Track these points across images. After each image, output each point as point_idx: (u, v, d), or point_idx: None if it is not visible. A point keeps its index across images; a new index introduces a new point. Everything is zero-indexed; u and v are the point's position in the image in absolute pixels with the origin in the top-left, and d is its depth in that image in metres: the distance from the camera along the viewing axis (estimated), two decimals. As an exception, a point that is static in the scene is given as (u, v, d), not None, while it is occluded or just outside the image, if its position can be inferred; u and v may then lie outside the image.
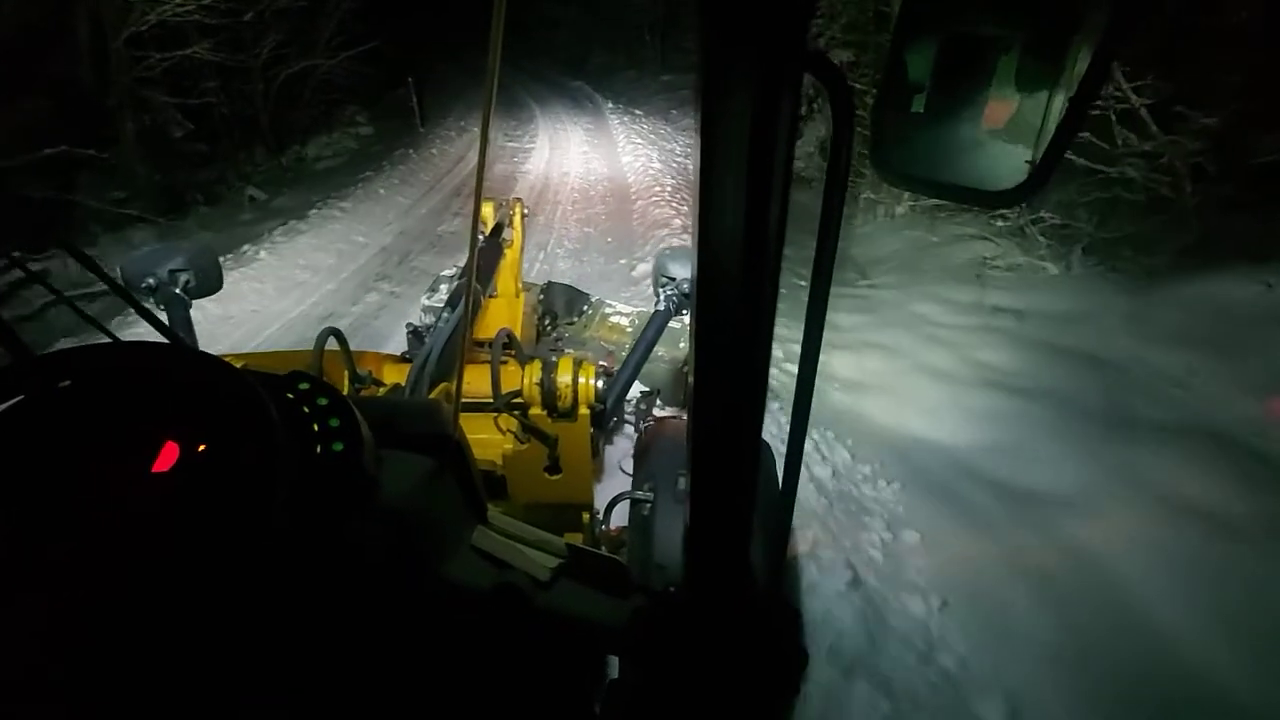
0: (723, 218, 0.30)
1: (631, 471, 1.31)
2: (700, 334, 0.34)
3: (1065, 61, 0.41)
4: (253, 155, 9.12)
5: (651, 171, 8.04)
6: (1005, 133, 0.43)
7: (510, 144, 10.26)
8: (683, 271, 1.31)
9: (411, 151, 9.27)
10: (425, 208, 7.10)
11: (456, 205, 7.27)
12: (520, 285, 2.28)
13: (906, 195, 6.41)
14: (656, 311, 1.28)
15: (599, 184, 7.86)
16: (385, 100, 12.63)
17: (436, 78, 15.92)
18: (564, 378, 1.09)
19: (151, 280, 1.14)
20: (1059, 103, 0.41)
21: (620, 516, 1.27)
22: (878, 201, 6.63)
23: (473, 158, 9.40)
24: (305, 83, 10.16)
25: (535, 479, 1.18)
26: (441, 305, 2.08)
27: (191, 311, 1.17)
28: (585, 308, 2.83)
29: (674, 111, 11.89)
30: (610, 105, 13.42)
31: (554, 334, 2.67)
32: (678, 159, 8.79)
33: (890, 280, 5.15)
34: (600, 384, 1.13)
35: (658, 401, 2.35)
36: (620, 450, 2.43)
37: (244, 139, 9.04)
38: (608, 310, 2.82)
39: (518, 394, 1.11)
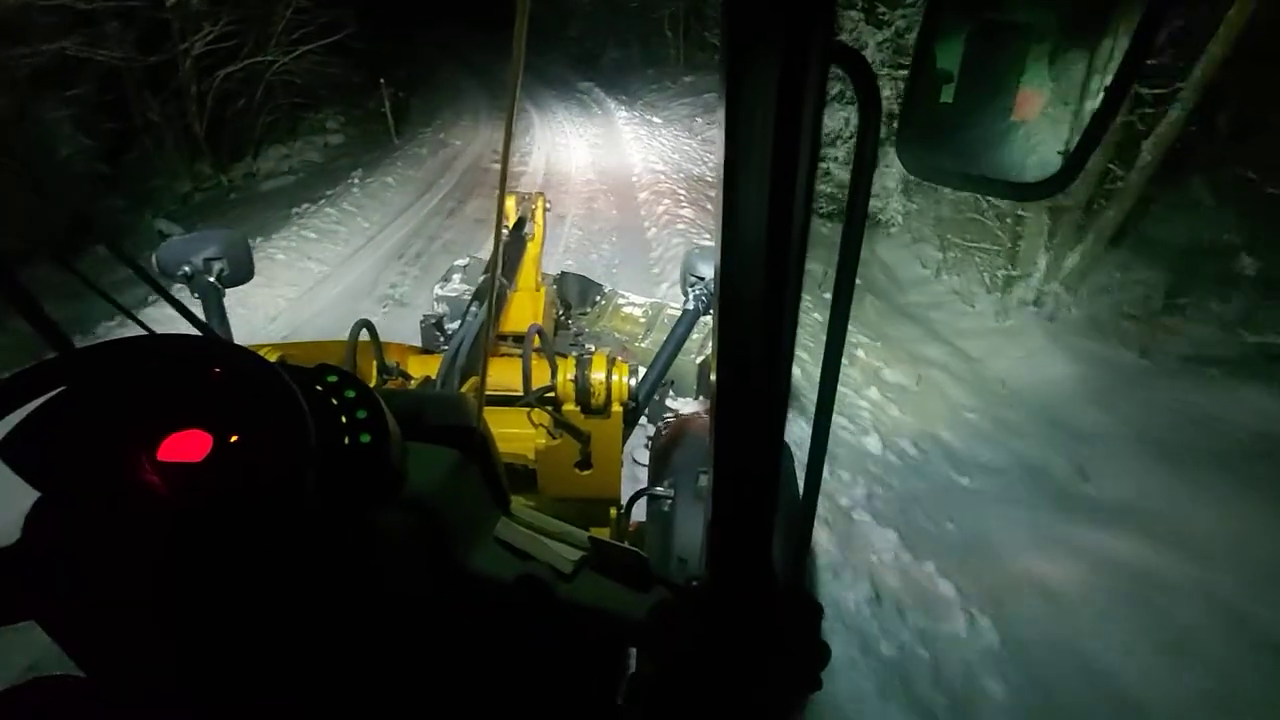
0: (747, 214, 0.36)
1: (645, 462, 1.55)
2: (723, 332, 0.40)
3: (1100, 49, 0.47)
4: (192, 171, 9.22)
5: (680, 222, 6.91)
6: (1037, 123, 0.50)
7: (495, 166, 9.77)
8: (711, 271, 1.51)
9: (354, 185, 8.44)
10: (342, 284, 5.78)
11: (389, 280, 5.80)
12: (541, 279, 2.64)
13: (1065, 268, 5.36)
14: (685, 310, 1.52)
15: (605, 239, 6.78)
16: (371, 101, 12.87)
17: (432, 76, 16.52)
18: (598, 375, 1.30)
19: (187, 269, 1.33)
20: (1093, 91, 0.48)
21: (638, 510, 1.48)
22: (1019, 277, 5.46)
23: (443, 185, 9.02)
24: (257, 84, 10.36)
25: (566, 474, 1.39)
26: (454, 294, 2.49)
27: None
28: (598, 298, 3.31)
29: (699, 120, 11.93)
30: (624, 114, 13.38)
31: (573, 327, 3.10)
32: (713, 194, 8.46)
33: (1149, 503, 3.16)
34: (633, 382, 1.33)
35: (670, 392, 2.72)
36: (633, 442, 2.65)
37: (191, 152, 9.24)
38: (620, 301, 3.28)
39: (549, 389, 1.31)
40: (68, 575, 0.50)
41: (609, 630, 0.70)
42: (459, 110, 13.66)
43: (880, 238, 7.85)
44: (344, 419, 0.61)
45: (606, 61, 18.45)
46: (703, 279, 1.56)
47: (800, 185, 0.35)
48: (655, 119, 12.83)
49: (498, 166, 9.41)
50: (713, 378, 0.43)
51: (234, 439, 0.54)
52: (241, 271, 1.41)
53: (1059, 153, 0.50)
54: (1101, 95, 0.48)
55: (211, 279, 1.34)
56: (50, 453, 0.51)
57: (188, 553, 0.50)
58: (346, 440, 0.60)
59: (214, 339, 0.65)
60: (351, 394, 0.63)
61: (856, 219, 0.43)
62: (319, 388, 0.63)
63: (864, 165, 0.41)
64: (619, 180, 8.99)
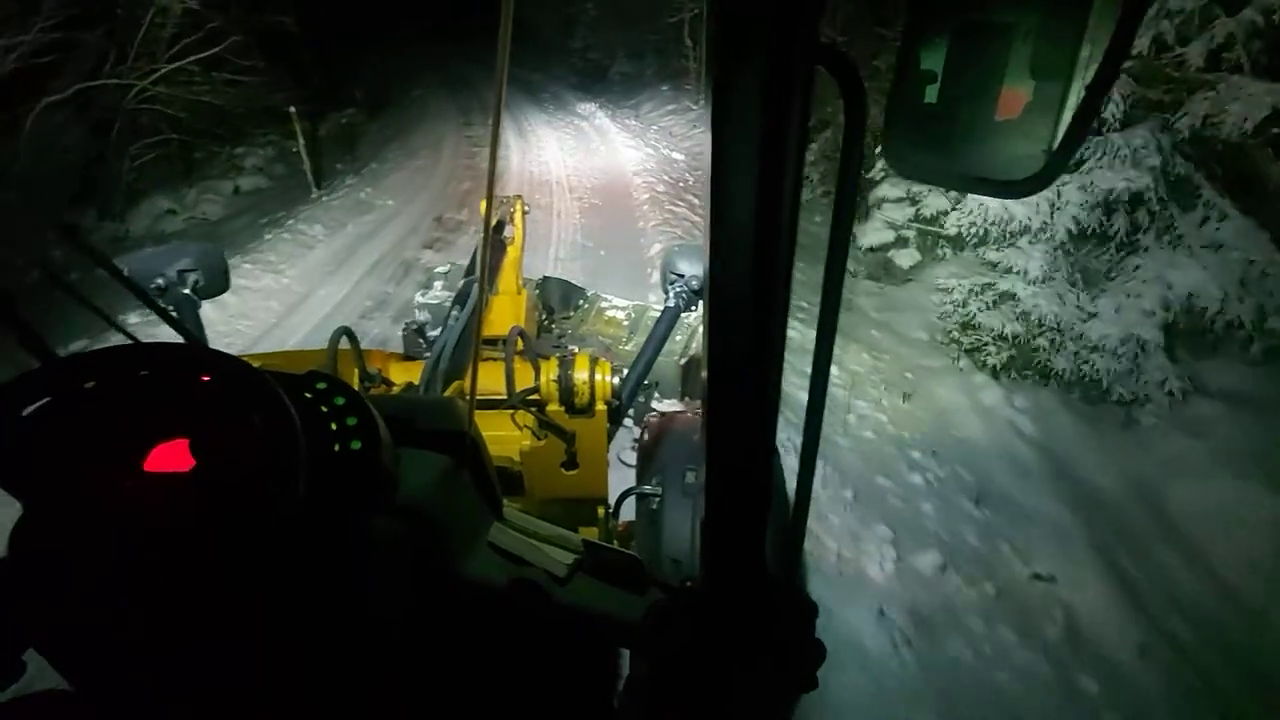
0: (735, 214, 0.46)
1: (631, 463, 1.87)
2: (713, 331, 0.52)
3: (1081, 47, 0.57)
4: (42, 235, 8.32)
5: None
6: (1020, 122, 0.62)
7: (428, 255, 8.19)
8: (690, 268, 1.85)
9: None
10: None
11: None
12: (521, 283, 3.04)
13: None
14: (666, 308, 1.82)
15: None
16: (322, 126, 12.68)
17: (399, 93, 16.91)
18: (581, 374, 1.58)
19: (160, 281, 1.60)
20: (1075, 89, 0.58)
21: (628, 510, 1.74)
22: None
23: (310, 311, 7.24)
24: (143, 114, 10.06)
25: (552, 475, 1.68)
26: (436, 301, 2.87)
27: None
28: (581, 302, 3.85)
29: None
30: (634, 150, 12.60)
31: (555, 330, 3.57)
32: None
33: None
34: (616, 380, 1.61)
35: (655, 394, 3.08)
36: (619, 443, 2.99)
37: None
38: (604, 304, 3.84)
39: (533, 391, 1.59)
40: (54, 589, 0.60)
41: (604, 633, 0.85)
42: (412, 146, 13.31)
43: (1113, 430, 5.58)
44: (334, 426, 0.75)
45: (615, 76, 18.89)
46: (682, 276, 1.86)
47: (788, 184, 0.45)
48: (676, 154, 12.33)
49: (429, 255, 8.32)
50: (703, 374, 0.54)
51: (222, 448, 0.65)
52: (216, 283, 1.68)
53: (1042, 151, 0.62)
54: (1083, 94, 0.59)
55: (186, 291, 1.60)
56: (36, 465, 0.61)
57: (176, 564, 0.60)
58: (337, 447, 0.73)
59: (201, 347, 0.78)
60: (341, 401, 0.77)
61: (844, 218, 0.53)
62: (308, 395, 0.77)
63: (851, 164, 0.51)
64: (627, 277, 7.37)
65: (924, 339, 7.11)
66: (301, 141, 10.64)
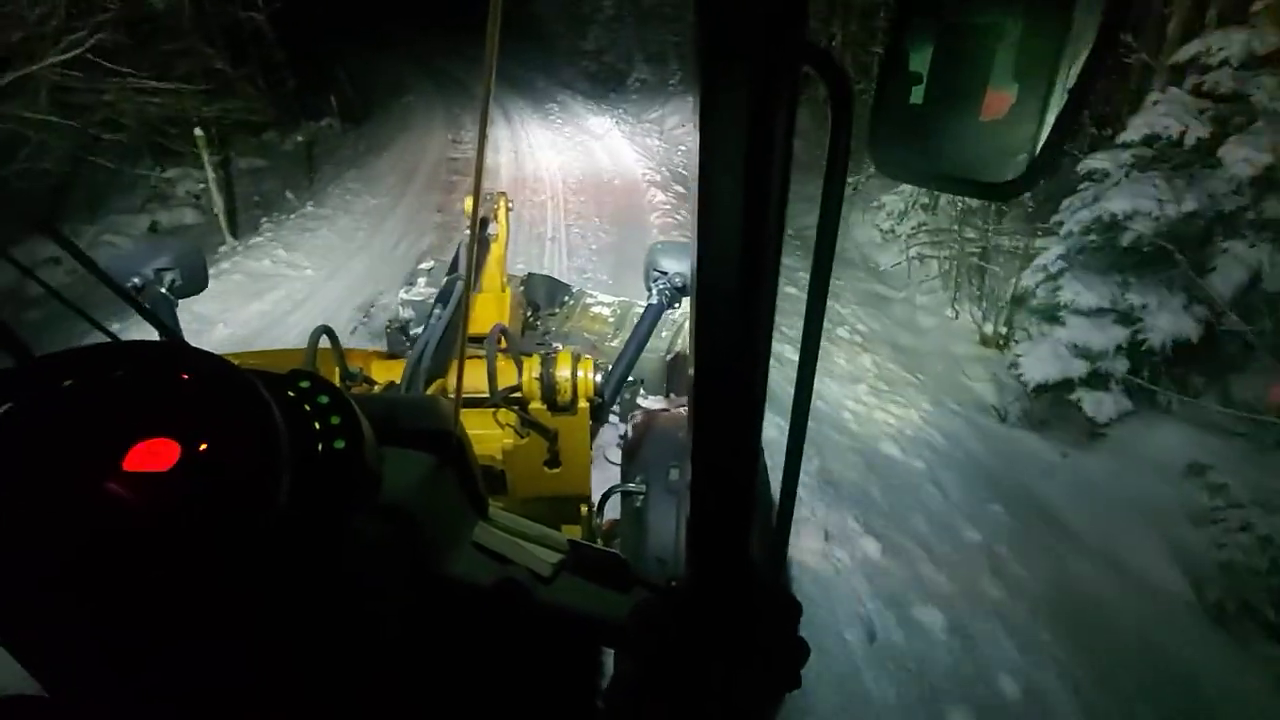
0: (722, 212, 0.51)
1: (616, 460, 2.11)
2: (700, 330, 0.57)
3: (1064, 51, 0.64)
4: None
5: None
6: (1004, 124, 0.69)
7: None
8: (674, 265, 2.05)
9: None
10: None
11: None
12: (506, 280, 3.31)
13: None
14: (649, 305, 2.02)
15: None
16: (286, 140, 12.45)
17: (387, 97, 16.98)
18: (563, 372, 1.79)
19: (137, 280, 1.78)
20: (1058, 93, 0.65)
21: (611, 508, 1.93)
22: None
23: None
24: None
25: (535, 473, 1.87)
26: (420, 299, 3.25)
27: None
28: (566, 298, 4.33)
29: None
30: (659, 186, 11.47)
31: (540, 328, 3.98)
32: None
33: None
34: (598, 378, 1.80)
35: (641, 390, 3.45)
36: (603, 440, 3.16)
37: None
38: (589, 301, 4.32)
39: (515, 389, 1.78)
40: (31, 590, 0.66)
41: (589, 632, 0.95)
42: (377, 173, 12.58)
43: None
44: (317, 425, 0.82)
45: (633, 83, 19.16)
46: (665, 274, 2.06)
47: (775, 184, 0.48)
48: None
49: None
50: (690, 372, 0.60)
51: (203, 447, 0.71)
52: (194, 282, 1.87)
53: (1026, 154, 0.69)
54: (1066, 96, 0.66)
55: (163, 290, 1.78)
56: (11, 465, 0.68)
57: (156, 565, 0.66)
58: (320, 446, 0.81)
59: (182, 344, 0.86)
60: (325, 399, 0.84)
61: (831, 217, 0.59)
62: (291, 393, 0.84)
63: (837, 163, 0.56)
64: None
65: (1181, 593, 4.76)
66: (210, 175, 9.09)
